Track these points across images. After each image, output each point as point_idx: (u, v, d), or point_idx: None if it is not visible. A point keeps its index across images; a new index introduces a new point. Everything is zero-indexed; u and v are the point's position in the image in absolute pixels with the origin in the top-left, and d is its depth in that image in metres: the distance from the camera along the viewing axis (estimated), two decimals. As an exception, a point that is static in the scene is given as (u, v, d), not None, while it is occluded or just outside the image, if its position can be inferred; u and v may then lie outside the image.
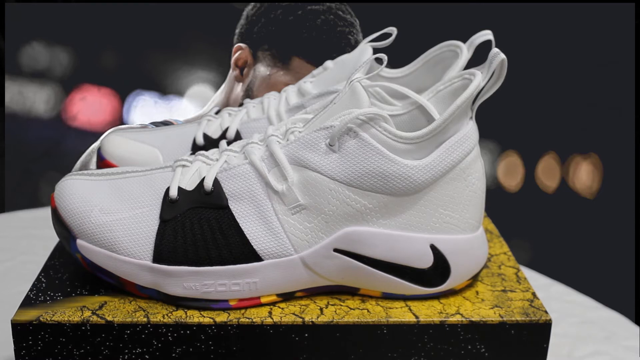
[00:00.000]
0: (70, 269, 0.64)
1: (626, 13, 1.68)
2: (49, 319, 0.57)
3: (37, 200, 1.77)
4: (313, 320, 0.59)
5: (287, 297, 0.61)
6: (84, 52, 1.96)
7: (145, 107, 1.95)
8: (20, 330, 0.57)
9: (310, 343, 0.59)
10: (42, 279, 0.63)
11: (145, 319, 0.58)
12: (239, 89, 0.91)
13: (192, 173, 0.60)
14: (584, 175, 1.83)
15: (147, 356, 0.58)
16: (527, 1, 1.74)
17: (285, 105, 0.72)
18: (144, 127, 0.77)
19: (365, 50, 0.73)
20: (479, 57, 0.64)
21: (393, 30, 0.72)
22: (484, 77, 0.57)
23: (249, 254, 0.58)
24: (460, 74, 0.60)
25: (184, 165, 0.61)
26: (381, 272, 0.60)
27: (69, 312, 0.58)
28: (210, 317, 0.58)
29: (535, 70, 1.72)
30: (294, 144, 0.58)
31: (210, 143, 0.71)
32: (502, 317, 0.60)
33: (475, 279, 0.64)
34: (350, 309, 0.60)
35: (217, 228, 0.58)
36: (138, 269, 0.58)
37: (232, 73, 0.93)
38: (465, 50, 0.68)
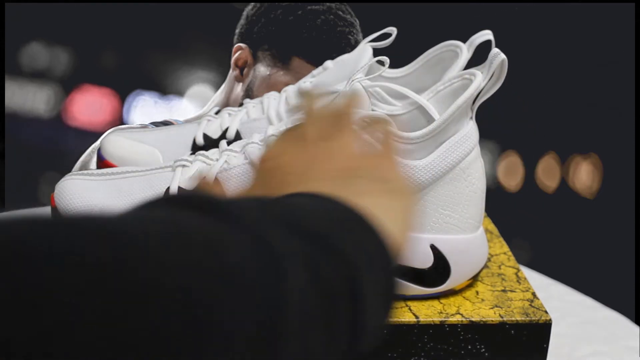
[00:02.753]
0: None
1: (626, 13, 1.68)
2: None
3: (37, 200, 1.77)
4: (313, 320, 0.59)
5: (287, 297, 0.61)
6: (84, 52, 1.96)
7: (145, 107, 1.95)
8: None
9: (310, 343, 0.59)
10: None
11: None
12: (239, 89, 0.91)
13: (192, 173, 0.60)
14: (584, 175, 1.83)
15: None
16: (527, 1, 1.74)
17: (285, 105, 0.72)
18: (144, 127, 0.77)
19: (365, 50, 0.73)
20: (479, 57, 0.64)
21: (393, 30, 0.72)
22: (484, 77, 0.57)
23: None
24: (460, 74, 0.60)
25: (184, 165, 0.61)
26: (381, 272, 0.60)
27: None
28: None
29: (535, 70, 1.72)
30: (294, 144, 0.58)
31: (210, 143, 0.71)
32: (502, 317, 0.60)
33: (475, 279, 0.64)
34: (350, 309, 0.60)
35: (217, 228, 0.58)
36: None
37: (232, 73, 0.93)
38: (465, 50, 0.68)
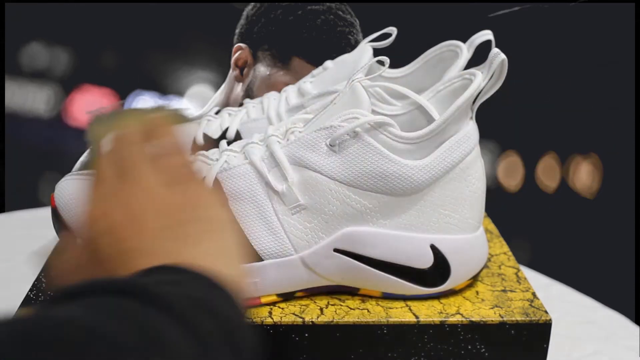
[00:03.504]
0: (70, 269, 0.64)
1: (626, 13, 1.68)
2: (49, 319, 0.57)
3: (37, 200, 1.77)
4: (313, 320, 0.59)
5: (287, 297, 0.61)
6: (84, 52, 1.96)
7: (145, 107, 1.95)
8: (20, 330, 0.57)
9: (310, 343, 0.59)
10: (42, 279, 0.63)
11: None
12: (239, 89, 0.91)
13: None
14: (584, 175, 1.83)
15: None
16: (527, 1, 1.73)
17: (285, 105, 0.72)
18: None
19: (365, 50, 0.73)
20: (479, 57, 0.64)
21: (393, 30, 0.72)
22: (484, 77, 0.57)
23: (249, 254, 0.58)
24: (460, 74, 0.60)
25: (184, 165, 0.61)
26: (381, 272, 0.60)
27: (69, 312, 0.58)
28: (210, 317, 0.58)
29: (535, 70, 1.72)
30: (294, 144, 0.58)
31: (210, 143, 0.71)
32: (502, 317, 0.60)
33: (475, 279, 0.64)
34: (350, 309, 0.60)
35: (217, 228, 0.58)
36: (138, 269, 0.58)
37: (232, 73, 0.93)
38: (465, 50, 0.68)
